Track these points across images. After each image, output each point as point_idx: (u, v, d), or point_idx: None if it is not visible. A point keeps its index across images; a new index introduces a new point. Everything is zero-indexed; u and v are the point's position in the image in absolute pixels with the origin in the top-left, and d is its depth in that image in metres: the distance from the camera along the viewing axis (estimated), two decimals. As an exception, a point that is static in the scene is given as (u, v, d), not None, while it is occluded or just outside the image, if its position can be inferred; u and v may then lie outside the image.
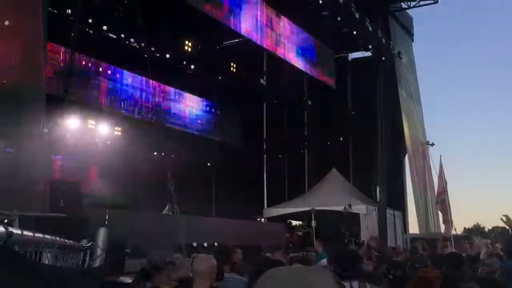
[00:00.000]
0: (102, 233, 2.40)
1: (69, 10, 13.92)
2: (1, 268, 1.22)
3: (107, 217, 12.81)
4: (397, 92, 21.96)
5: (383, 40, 21.01)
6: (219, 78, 21.41)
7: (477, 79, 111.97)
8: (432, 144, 23.90)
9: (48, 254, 2.03)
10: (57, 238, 2.09)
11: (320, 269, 3.00)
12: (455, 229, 20.72)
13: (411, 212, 23.71)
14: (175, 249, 12.06)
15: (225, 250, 5.56)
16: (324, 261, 6.28)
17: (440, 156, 21.16)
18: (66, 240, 2.29)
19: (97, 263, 2.38)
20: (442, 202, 18.99)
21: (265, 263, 5.83)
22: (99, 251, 2.37)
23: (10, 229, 1.33)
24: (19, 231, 1.40)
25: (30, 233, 1.57)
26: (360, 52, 24.12)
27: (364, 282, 3.92)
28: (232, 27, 16.86)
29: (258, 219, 23.13)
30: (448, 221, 18.62)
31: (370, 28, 20.01)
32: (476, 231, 42.75)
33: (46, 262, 1.98)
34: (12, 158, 8.07)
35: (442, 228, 21.81)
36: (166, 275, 4.64)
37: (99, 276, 2.08)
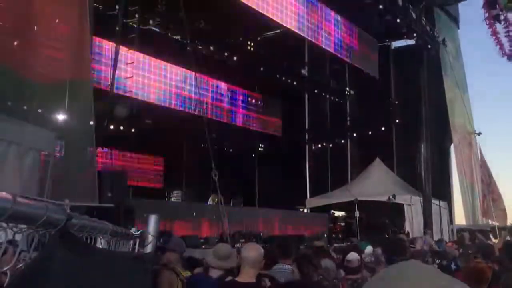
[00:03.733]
0: (153, 220, 2.44)
1: (117, 6, 14.10)
2: (62, 250, 1.28)
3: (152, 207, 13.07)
4: (441, 80, 21.51)
5: (427, 28, 20.58)
6: (257, 69, 21.42)
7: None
8: (479, 134, 23.36)
9: (102, 240, 2.09)
10: (110, 225, 2.16)
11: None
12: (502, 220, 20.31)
13: (458, 203, 23.26)
14: (219, 238, 12.22)
15: (285, 244, 5.63)
16: (369, 249, 6.23)
17: (479, 146, 20.72)
18: (118, 227, 2.36)
19: (149, 249, 2.43)
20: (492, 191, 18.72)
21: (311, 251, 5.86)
22: (150, 238, 2.42)
23: (69, 213, 1.39)
24: (76, 216, 1.46)
25: (87, 218, 1.64)
26: (404, 40, 23.70)
27: None
28: (273, 18, 16.82)
29: (301, 210, 23.16)
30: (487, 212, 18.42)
31: (414, 15, 19.63)
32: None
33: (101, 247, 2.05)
34: (61, 150, 8.32)
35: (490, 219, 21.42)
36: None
37: (151, 261, 2.13)
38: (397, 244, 4.29)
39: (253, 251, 3.99)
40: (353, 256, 5.75)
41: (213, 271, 4.56)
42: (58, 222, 1.28)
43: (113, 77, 12.66)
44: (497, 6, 13.24)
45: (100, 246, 2.05)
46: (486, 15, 13.59)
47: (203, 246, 11.86)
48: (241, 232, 14.55)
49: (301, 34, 18.17)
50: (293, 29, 17.68)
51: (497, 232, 18.32)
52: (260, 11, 16.07)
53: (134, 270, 1.94)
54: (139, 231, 2.87)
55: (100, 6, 14.06)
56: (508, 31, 13.50)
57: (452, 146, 23.01)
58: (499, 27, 13.85)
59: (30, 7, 7.85)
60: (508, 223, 22.12)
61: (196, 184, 18.64)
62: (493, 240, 15.70)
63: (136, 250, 2.76)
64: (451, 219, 22.85)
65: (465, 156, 22.59)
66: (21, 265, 1.31)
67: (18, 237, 1.25)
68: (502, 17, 13.51)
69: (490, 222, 21.43)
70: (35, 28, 8.04)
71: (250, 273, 3.86)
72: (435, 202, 19.85)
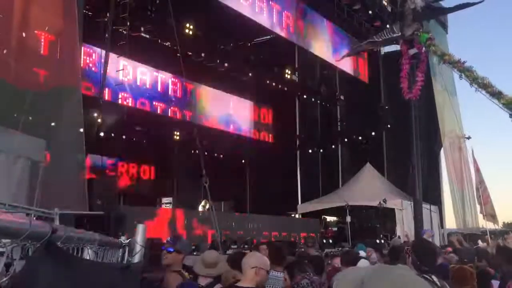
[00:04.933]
0: (140, 229, 2.45)
1: (107, 14, 14.03)
2: (47, 262, 1.28)
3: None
4: (431, 85, 21.60)
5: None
6: (250, 74, 21.46)
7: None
8: (469, 137, 23.48)
9: (89, 250, 2.10)
10: (97, 235, 2.16)
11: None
12: (493, 223, 20.43)
13: (448, 207, 23.36)
14: (211, 245, 12.21)
15: (277, 250, 5.63)
16: (362, 253, 6.23)
17: (472, 150, 20.86)
18: (106, 237, 2.37)
19: (136, 259, 2.43)
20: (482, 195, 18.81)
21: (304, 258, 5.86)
22: (138, 247, 2.43)
23: (54, 225, 1.39)
24: (62, 228, 1.46)
25: (73, 230, 1.64)
26: (393, 45, 23.79)
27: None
28: (264, 24, 16.88)
29: (293, 215, 23.15)
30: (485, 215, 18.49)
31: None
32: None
33: (88, 258, 2.05)
34: (51, 158, 8.27)
35: (481, 222, 21.49)
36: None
37: (138, 271, 2.14)
38: (427, 251, 4.12)
39: (247, 257, 4.10)
40: (364, 263, 5.71)
41: (201, 279, 4.54)
42: (42, 235, 1.29)
43: (103, 84, 12.65)
44: (414, 45, 13.66)
45: (88, 256, 2.05)
46: (405, 55, 13.97)
47: (194, 253, 11.83)
48: (232, 238, 14.54)
49: (291, 40, 18.25)
50: (282, 35, 17.75)
51: (488, 236, 18.44)
52: (250, 17, 16.14)
53: (122, 280, 1.95)
54: (128, 240, 2.88)
55: (90, 13, 14.03)
56: (421, 69, 13.84)
57: (442, 150, 23.12)
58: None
59: (18, 15, 7.83)
60: (498, 227, 22.26)
61: (187, 191, 18.59)
62: (481, 243, 15.79)
63: (125, 259, 2.76)
64: (441, 223, 22.94)
65: (455, 160, 22.69)
66: (5, 279, 1.32)
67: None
68: (420, 56, 13.94)
69: (480, 226, 21.53)
70: (24, 35, 8.02)
71: (248, 279, 3.93)
72: (425, 206, 19.91)
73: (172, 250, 4.77)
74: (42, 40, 8.51)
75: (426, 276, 3.67)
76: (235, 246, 13.66)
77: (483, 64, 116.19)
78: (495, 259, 6.76)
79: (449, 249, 12.16)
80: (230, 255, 4.57)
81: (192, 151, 18.54)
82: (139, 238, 2.45)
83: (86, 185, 8.74)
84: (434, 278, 3.71)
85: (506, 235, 20.07)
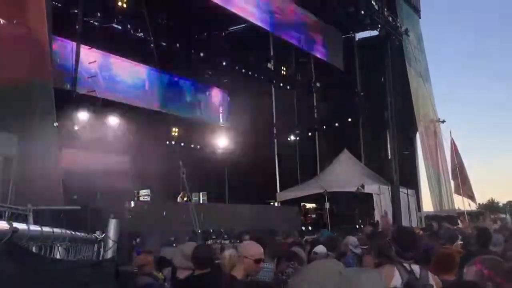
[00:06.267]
0: (113, 224, 2.40)
1: (77, 6, 13.78)
2: (7, 263, 1.23)
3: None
4: (405, 70, 21.74)
5: (390, 18, 20.76)
6: (223, 64, 21.32)
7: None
8: (443, 121, 23.77)
9: (59, 248, 2.03)
10: (67, 231, 2.10)
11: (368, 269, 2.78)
12: (469, 205, 20.77)
13: (425, 190, 23.66)
14: (190, 236, 12.15)
15: (259, 241, 5.60)
16: (321, 248, 6.19)
17: (450, 131, 21.14)
18: (77, 233, 2.30)
19: (109, 254, 2.38)
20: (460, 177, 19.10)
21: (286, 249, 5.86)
22: (110, 243, 2.38)
23: (16, 225, 1.33)
24: (25, 227, 1.40)
25: (38, 228, 1.58)
26: (367, 32, 23.87)
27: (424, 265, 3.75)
28: (238, 13, 16.75)
29: (272, 203, 23.18)
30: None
31: (377, 7, 19.77)
32: (490, 207, 42.49)
33: (58, 256, 1.98)
34: (24, 153, 8.13)
35: (456, 205, 21.83)
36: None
37: (111, 267, 2.08)
38: (410, 236, 3.99)
39: (253, 249, 4.13)
40: (320, 249, 5.72)
41: (180, 271, 4.47)
42: (2, 235, 1.23)
43: (75, 77, 12.45)
44: None
45: (58, 254, 1.99)
46: None
47: (174, 245, 11.76)
48: (212, 229, 14.47)
49: (266, 28, 18.15)
50: (257, 23, 17.64)
51: (466, 217, 18.76)
52: (224, 5, 15.99)
53: (93, 278, 1.89)
54: (103, 235, 2.82)
55: (59, 4, 13.76)
56: None
57: (417, 134, 23.35)
58: None
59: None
60: (476, 206, 22.72)
61: (165, 183, 18.47)
62: (460, 225, 16.04)
63: (100, 255, 2.71)
64: (419, 207, 23.21)
65: (431, 144, 22.95)
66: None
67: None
68: None
69: (457, 207, 21.87)
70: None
71: (237, 268, 3.98)
72: (403, 190, 20.10)
73: (140, 251, 4.67)
74: (11, 33, 8.31)
75: (405, 265, 3.62)
76: (214, 237, 13.61)
77: (457, 42, 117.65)
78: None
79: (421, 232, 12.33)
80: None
81: (168, 142, 18.44)
82: (112, 233, 2.40)
83: (61, 180, 8.61)
84: (414, 267, 3.62)
85: (481, 216, 20.49)
